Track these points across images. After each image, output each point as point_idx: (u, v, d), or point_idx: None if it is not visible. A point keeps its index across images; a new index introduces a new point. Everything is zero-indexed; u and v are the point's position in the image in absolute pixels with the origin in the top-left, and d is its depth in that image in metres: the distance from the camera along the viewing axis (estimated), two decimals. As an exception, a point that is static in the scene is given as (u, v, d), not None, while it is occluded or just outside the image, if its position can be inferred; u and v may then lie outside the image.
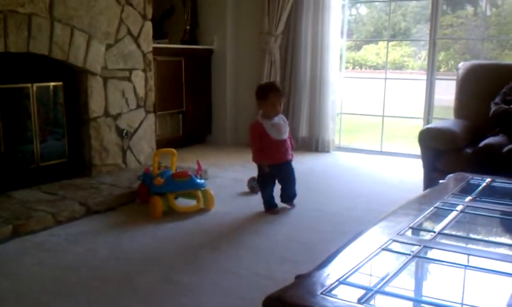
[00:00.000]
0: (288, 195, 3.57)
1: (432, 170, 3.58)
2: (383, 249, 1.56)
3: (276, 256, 2.74)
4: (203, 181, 3.58)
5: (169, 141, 5.21)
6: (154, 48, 4.60)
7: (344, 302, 1.22)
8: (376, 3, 7.92)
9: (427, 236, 1.71)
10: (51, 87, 3.89)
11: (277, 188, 3.57)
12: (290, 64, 5.67)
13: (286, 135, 3.49)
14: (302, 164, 5.04)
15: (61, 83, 3.93)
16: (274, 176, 3.51)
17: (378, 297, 1.27)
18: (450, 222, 1.86)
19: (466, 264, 1.54)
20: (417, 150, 3.84)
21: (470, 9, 7.39)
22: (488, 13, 6.28)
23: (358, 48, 9.89)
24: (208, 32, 5.92)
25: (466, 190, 2.33)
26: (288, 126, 3.57)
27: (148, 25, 4.43)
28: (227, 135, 6.02)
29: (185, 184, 3.47)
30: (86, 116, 4.00)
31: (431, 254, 1.59)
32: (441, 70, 8.28)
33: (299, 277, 1.39)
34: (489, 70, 4.02)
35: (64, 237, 2.98)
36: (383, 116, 5.79)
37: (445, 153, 3.53)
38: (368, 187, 4.24)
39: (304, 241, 2.97)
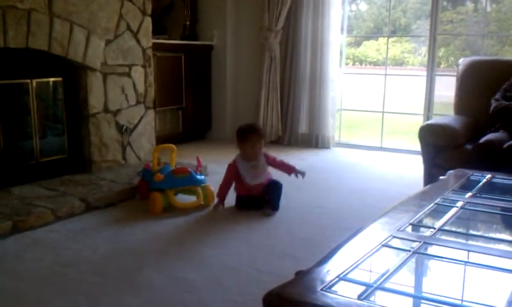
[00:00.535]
0: (271, 202, 3.43)
1: (433, 166, 3.58)
2: (383, 245, 1.56)
3: (276, 252, 2.74)
4: (202, 177, 3.57)
5: (169, 137, 5.20)
6: (154, 43, 4.59)
7: (344, 298, 1.22)
8: (376, -1, 7.90)
9: (427, 232, 1.71)
10: (51, 83, 3.88)
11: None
12: (290, 60, 5.67)
13: (261, 180, 3.42)
14: (302, 160, 5.04)
15: (60, 79, 3.92)
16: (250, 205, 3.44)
17: (378, 293, 1.27)
18: (450, 218, 1.86)
19: (466, 260, 1.54)
20: (417, 146, 3.83)
21: (470, 5, 7.38)
22: (488, 9, 6.27)
23: (358, 44, 9.88)
24: (208, 27, 5.91)
25: (467, 186, 2.33)
26: (268, 163, 3.48)
27: (148, 21, 4.42)
28: (227, 131, 6.02)
29: (185, 180, 3.47)
30: (85, 112, 3.99)
31: (431, 250, 1.59)
32: (442, 66, 8.27)
33: (299, 274, 1.38)
34: (490, 66, 4.01)
35: (64, 233, 2.98)
36: (383, 112, 5.79)
37: (445, 150, 3.53)
38: (368, 183, 4.24)
39: (304, 237, 2.97)
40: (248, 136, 3.40)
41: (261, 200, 3.43)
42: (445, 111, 4.99)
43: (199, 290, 2.29)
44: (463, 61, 4.15)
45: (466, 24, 7.64)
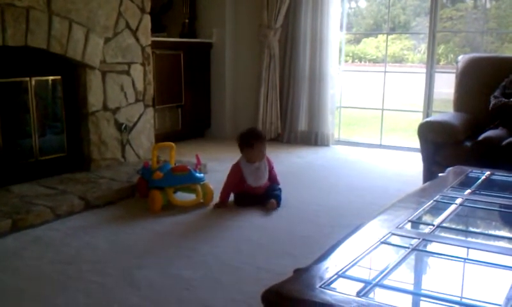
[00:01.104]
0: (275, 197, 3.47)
1: (432, 163, 3.58)
2: (382, 243, 1.56)
3: (275, 250, 2.74)
4: (202, 175, 3.57)
5: (168, 134, 5.20)
6: (153, 41, 4.58)
7: (343, 295, 1.22)
8: (376, -4, 7.89)
9: (426, 229, 1.71)
10: (50, 81, 3.87)
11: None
12: (289, 58, 5.67)
13: (263, 181, 3.51)
14: (301, 158, 5.05)
15: (59, 77, 3.91)
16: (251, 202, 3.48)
17: (377, 290, 1.27)
18: (449, 215, 1.86)
19: (466, 257, 1.54)
20: (417, 143, 3.83)
21: (469, 2, 7.37)
22: (488, 5, 6.26)
23: (357, 41, 9.87)
24: (207, 25, 5.90)
25: (466, 183, 2.33)
26: (268, 169, 3.56)
27: (147, 19, 4.41)
28: (226, 129, 6.02)
29: (184, 178, 3.47)
30: (84, 110, 3.99)
31: (430, 247, 1.59)
32: (441, 63, 8.27)
33: (297, 271, 1.39)
34: (489, 63, 4.01)
35: (64, 231, 2.98)
36: (383, 109, 5.79)
37: (444, 147, 3.53)
38: (367, 180, 4.24)
39: (303, 235, 2.97)
40: (254, 142, 3.47)
41: (261, 197, 3.45)
42: (445, 108, 4.99)
43: (198, 288, 2.29)
44: (462, 58, 4.15)
45: (466, 21, 7.63)
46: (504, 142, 3.14)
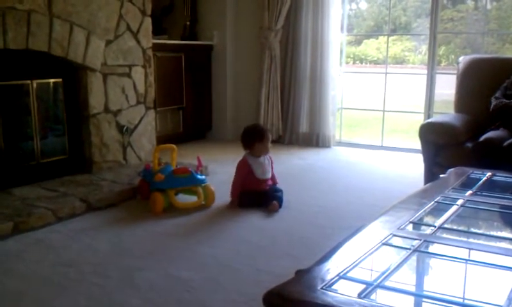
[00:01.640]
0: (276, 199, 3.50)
1: (433, 164, 3.58)
2: (384, 244, 1.56)
3: (276, 251, 2.74)
4: (203, 177, 3.57)
5: (170, 137, 5.20)
6: (154, 44, 4.59)
7: (345, 296, 1.22)
8: (376, -2, 7.89)
9: (428, 230, 1.71)
10: (51, 84, 3.88)
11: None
12: (290, 59, 5.67)
13: (269, 175, 3.61)
14: (302, 160, 5.05)
15: (60, 80, 3.92)
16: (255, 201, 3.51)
17: (379, 291, 1.27)
18: (450, 216, 1.86)
19: (467, 258, 1.54)
20: (418, 145, 3.83)
21: (470, 3, 7.37)
22: (489, 6, 6.26)
23: (358, 42, 9.87)
24: (208, 27, 5.91)
25: (467, 184, 2.33)
26: (272, 165, 3.66)
27: (148, 21, 4.42)
28: (227, 131, 6.02)
29: (186, 180, 3.47)
30: (86, 113, 3.99)
31: (432, 248, 1.59)
32: (442, 65, 8.27)
33: (299, 273, 1.38)
34: (490, 64, 4.00)
35: (65, 234, 2.98)
36: (384, 111, 5.78)
37: (445, 148, 3.53)
38: (368, 181, 4.23)
39: (304, 236, 2.97)
40: (264, 135, 3.58)
41: (265, 196, 3.47)
42: (446, 109, 4.98)
43: (199, 290, 2.29)
44: (463, 59, 4.14)
45: (467, 22, 7.63)
46: (505, 144, 3.14)
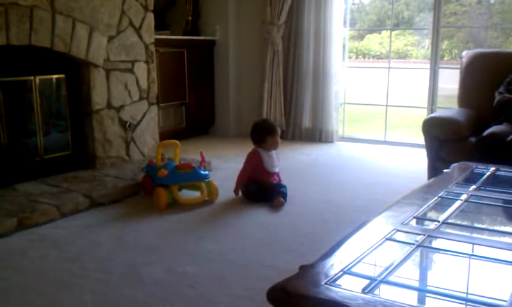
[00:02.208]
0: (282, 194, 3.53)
1: (436, 159, 3.57)
2: (387, 239, 1.56)
3: (280, 247, 2.74)
4: (206, 172, 3.58)
5: (173, 132, 5.21)
6: (156, 39, 4.59)
7: (349, 292, 1.22)
8: (379, -8, 7.86)
9: (432, 225, 1.71)
10: (54, 80, 3.88)
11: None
12: (293, 54, 5.66)
13: (277, 168, 3.68)
14: (305, 155, 5.04)
15: (63, 75, 3.92)
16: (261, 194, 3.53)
17: (383, 286, 1.27)
18: (454, 211, 1.86)
19: (471, 253, 1.53)
20: (421, 140, 3.83)
21: (473, -3, 7.35)
22: (492, 0, 6.24)
23: (361, 37, 9.85)
24: (211, 22, 5.90)
25: (471, 179, 2.32)
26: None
27: (150, 17, 4.42)
28: (230, 126, 6.02)
29: (189, 176, 3.47)
30: (89, 108, 4.00)
31: (436, 243, 1.59)
32: (445, 59, 8.24)
33: (303, 268, 1.39)
34: (493, 59, 3.99)
35: (69, 229, 2.99)
36: (387, 106, 5.78)
37: (449, 143, 3.52)
38: (372, 177, 4.23)
39: (308, 231, 2.97)
40: (276, 129, 3.66)
41: (271, 189, 3.51)
42: (449, 104, 4.97)
43: (203, 285, 2.30)
44: (466, 54, 4.13)
45: (470, 16, 7.60)
46: (509, 138, 3.13)
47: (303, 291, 1.22)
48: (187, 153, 4.58)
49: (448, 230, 1.68)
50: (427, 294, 1.34)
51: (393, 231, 1.61)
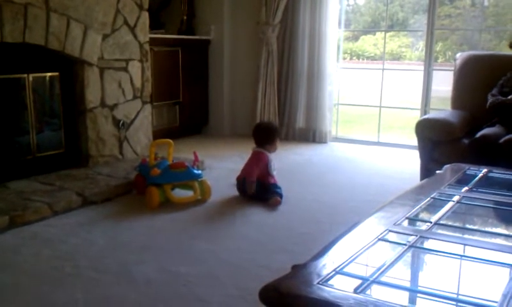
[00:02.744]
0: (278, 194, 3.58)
1: (429, 161, 3.59)
2: (380, 240, 1.57)
3: (273, 246, 2.74)
4: (200, 172, 3.57)
5: (166, 131, 5.20)
6: (151, 38, 4.58)
7: (341, 292, 1.22)
8: (374, -7, 7.88)
9: (424, 226, 1.71)
10: (47, 78, 3.87)
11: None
12: (287, 55, 5.67)
13: (276, 171, 3.72)
14: (299, 155, 5.05)
15: (57, 73, 3.91)
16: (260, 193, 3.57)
17: (374, 286, 1.27)
18: (446, 212, 1.86)
19: (462, 254, 1.54)
20: (414, 141, 3.84)
21: (467, -1, 7.38)
22: (486, 3, 6.27)
23: (355, 38, 9.87)
24: (205, 22, 5.90)
25: (463, 180, 2.33)
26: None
27: (145, 16, 4.41)
28: (224, 126, 6.02)
29: (182, 175, 3.47)
30: (82, 107, 3.98)
31: (427, 244, 1.60)
32: (439, 61, 8.26)
33: (295, 268, 1.39)
34: (487, 61, 4.01)
35: (61, 228, 2.98)
36: (380, 107, 5.79)
37: (441, 144, 3.54)
38: (365, 177, 4.24)
39: (300, 231, 2.98)
40: (277, 137, 3.74)
41: (268, 189, 3.55)
42: (442, 106, 4.99)
43: (196, 284, 2.29)
44: (460, 56, 4.15)
45: (464, 19, 7.63)
46: (502, 140, 3.15)
47: (295, 291, 1.23)
48: (181, 152, 4.57)
49: (440, 231, 1.69)
50: (419, 294, 1.35)
51: (386, 232, 1.62)
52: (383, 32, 6.08)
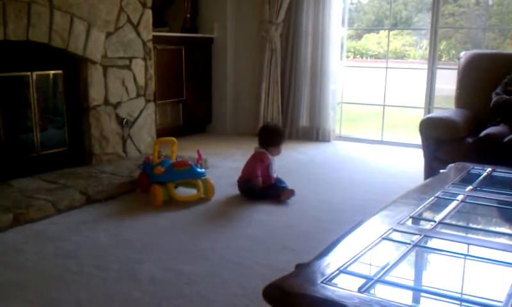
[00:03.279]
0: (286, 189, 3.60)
1: (433, 160, 3.58)
2: (384, 239, 1.56)
3: (277, 245, 2.74)
4: (203, 170, 3.57)
5: (170, 130, 5.20)
6: (154, 36, 4.58)
7: (344, 291, 1.22)
8: (377, -8, 7.87)
9: (428, 225, 1.71)
10: (51, 76, 3.87)
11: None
12: (290, 53, 5.66)
13: (276, 173, 3.71)
14: (302, 154, 5.04)
15: (60, 71, 3.91)
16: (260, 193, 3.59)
17: (378, 286, 1.27)
18: (450, 211, 1.86)
19: (466, 253, 1.54)
20: (418, 140, 3.83)
21: (471, -2, 7.36)
22: (490, 2, 6.25)
23: (359, 37, 9.85)
24: (209, 20, 5.90)
25: (467, 180, 2.33)
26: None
27: (148, 13, 4.41)
28: (227, 124, 6.02)
29: (186, 173, 3.47)
30: (86, 105, 3.99)
31: (431, 243, 1.59)
32: (443, 60, 8.26)
33: (299, 266, 1.38)
34: (491, 60, 4.00)
35: (65, 226, 2.99)
36: (384, 106, 5.78)
37: (445, 143, 3.53)
38: (368, 176, 4.24)
39: (304, 230, 2.98)
40: (282, 141, 3.72)
41: (271, 188, 3.58)
42: (446, 105, 4.98)
43: (199, 283, 2.29)
44: (464, 55, 4.14)
45: (468, 17, 7.62)
46: (506, 139, 3.14)
47: (299, 290, 1.22)
48: (184, 150, 4.57)
49: (444, 230, 1.68)
50: (423, 294, 1.34)
51: (390, 231, 1.62)
52: (387, 31, 6.07)
